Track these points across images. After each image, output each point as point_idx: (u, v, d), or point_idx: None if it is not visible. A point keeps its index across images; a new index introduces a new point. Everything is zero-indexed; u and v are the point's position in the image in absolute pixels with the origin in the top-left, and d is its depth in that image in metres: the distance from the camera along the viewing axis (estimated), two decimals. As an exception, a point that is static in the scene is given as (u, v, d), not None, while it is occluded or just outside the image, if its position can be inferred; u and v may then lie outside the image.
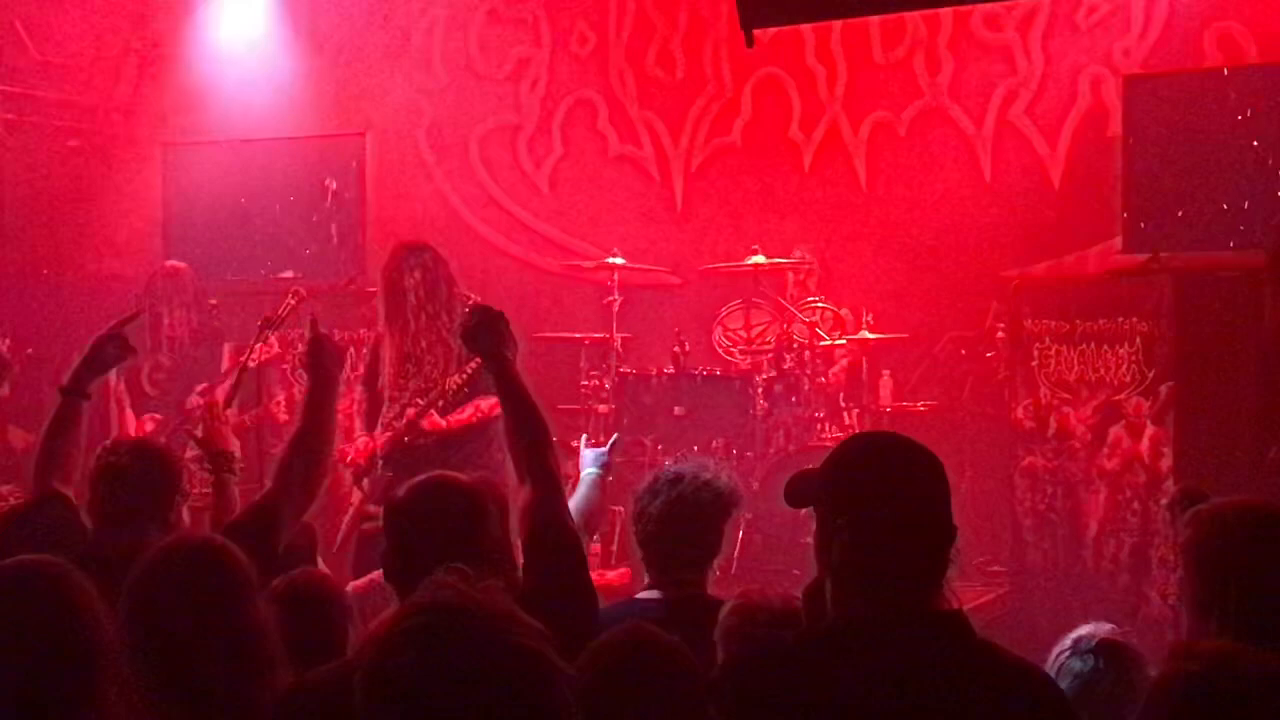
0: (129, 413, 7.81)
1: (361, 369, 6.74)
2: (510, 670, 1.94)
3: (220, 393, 6.91)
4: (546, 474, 3.53)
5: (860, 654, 2.59)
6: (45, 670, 2.54)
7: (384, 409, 6.46)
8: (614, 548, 7.86)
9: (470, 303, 6.07)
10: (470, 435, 6.23)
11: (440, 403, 6.24)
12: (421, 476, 3.28)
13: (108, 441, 4.18)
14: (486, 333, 3.78)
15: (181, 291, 8.11)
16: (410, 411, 6.27)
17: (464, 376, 6.17)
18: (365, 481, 6.37)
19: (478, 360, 6.14)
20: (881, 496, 2.65)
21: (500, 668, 1.93)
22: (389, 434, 6.32)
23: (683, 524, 3.85)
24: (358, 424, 6.57)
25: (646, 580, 3.92)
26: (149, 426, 7.64)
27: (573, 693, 1.98)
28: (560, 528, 3.48)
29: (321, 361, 4.01)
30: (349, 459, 6.33)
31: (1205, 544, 2.98)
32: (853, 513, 2.65)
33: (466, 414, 6.24)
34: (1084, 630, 3.32)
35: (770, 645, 2.76)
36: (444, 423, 6.25)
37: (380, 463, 6.32)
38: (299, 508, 3.86)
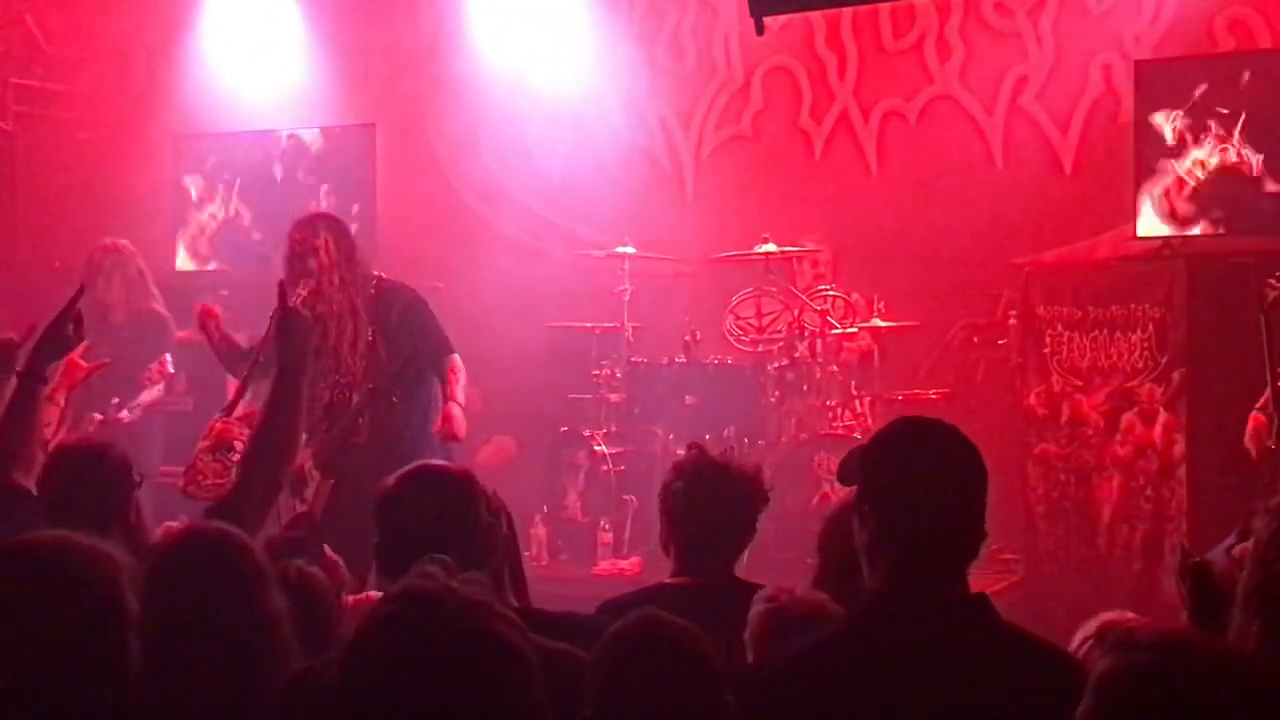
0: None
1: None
2: (482, 660, 1.95)
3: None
4: (269, 484, 3.65)
5: (884, 638, 2.60)
6: (73, 642, 2.52)
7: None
8: (626, 536, 7.87)
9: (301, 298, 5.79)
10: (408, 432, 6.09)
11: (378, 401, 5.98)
12: (410, 466, 3.28)
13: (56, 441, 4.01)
14: (301, 337, 3.76)
15: (123, 269, 7.72)
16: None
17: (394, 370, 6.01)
18: (308, 493, 5.99)
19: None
20: (907, 482, 2.67)
21: (473, 657, 1.94)
22: (317, 441, 5.99)
23: (727, 515, 3.82)
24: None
25: (673, 565, 3.89)
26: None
27: (544, 686, 1.98)
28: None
29: (291, 338, 3.74)
30: None
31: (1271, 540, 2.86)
32: (879, 496, 2.67)
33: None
34: (1108, 617, 3.29)
35: (799, 641, 2.76)
36: None
37: (314, 471, 6.01)
38: (264, 503, 3.75)
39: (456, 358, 6.23)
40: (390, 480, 3.24)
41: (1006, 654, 2.60)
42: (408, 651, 1.94)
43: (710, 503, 3.80)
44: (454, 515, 3.13)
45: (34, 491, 3.96)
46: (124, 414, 6.92)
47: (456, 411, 6.04)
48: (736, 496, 3.84)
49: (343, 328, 6.07)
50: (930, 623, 2.59)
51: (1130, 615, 3.33)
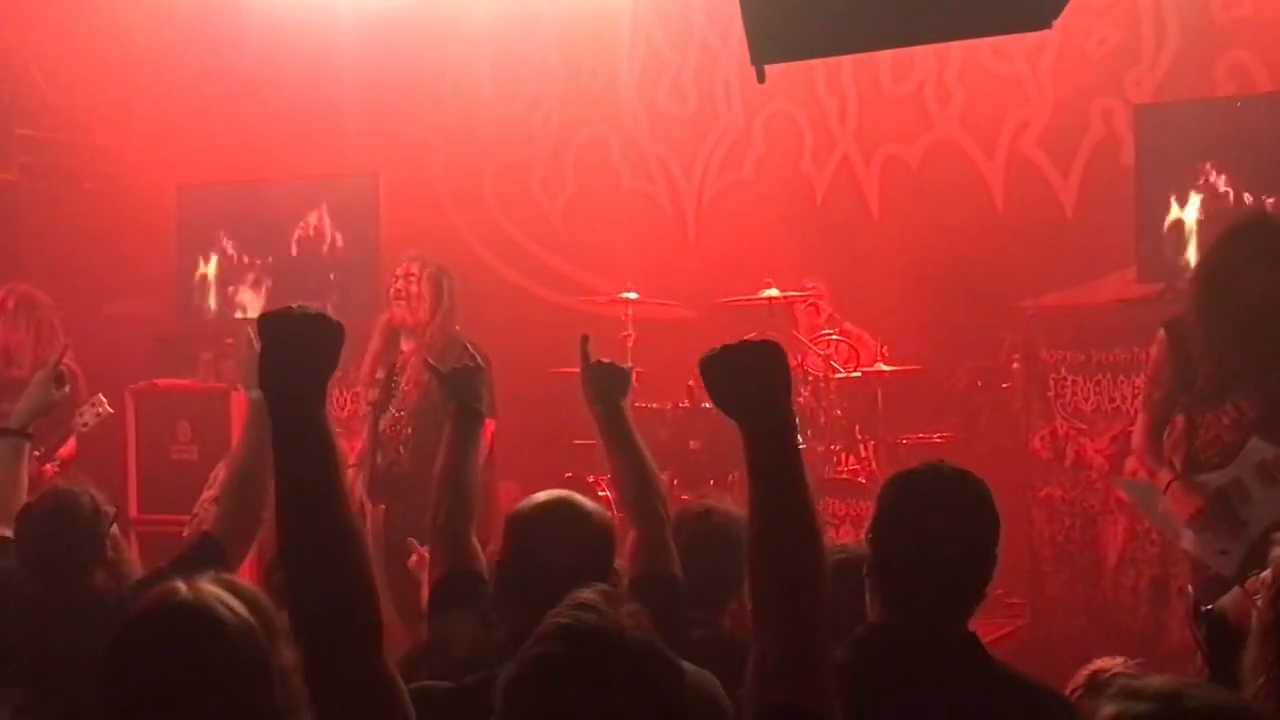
0: None
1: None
2: (642, 711, 1.96)
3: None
4: (654, 515, 3.59)
5: (875, 670, 2.63)
6: None
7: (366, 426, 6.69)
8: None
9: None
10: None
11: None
12: (551, 494, 3.22)
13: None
14: (610, 383, 3.81)
15: (30, 315, 7.37)
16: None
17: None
18: (364, 523, 6.23)
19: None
20: (911, 524, 2.77)
21: (632, 708, 1.96)
22: (366, 470, 6.58)
23: (709, 560, 3.76)
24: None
25: None
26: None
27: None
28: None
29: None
30: None
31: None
32: (885, 532, 2.74)
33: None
34: (1099, 664, 3.29)
35: None
36: None
37: (366, 500, 6.49)
38: (245, 539, 3.83)
39: (490, 422, 6.11)
40: (531, 504, 3.18)
41: (996, 691, 2.63)
42: (568, 697, 1.96)
43: (694, 553, 3.74)
44: (592, 551, 3.09)
45: (9, 539, 4.04)
46: (47, 466, 6.54)
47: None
48: (716, 549, 3.79)
49: (419, 372, 6.48)
50: (921, 658, 2.63)
51: (1119, 660, 3.32)
